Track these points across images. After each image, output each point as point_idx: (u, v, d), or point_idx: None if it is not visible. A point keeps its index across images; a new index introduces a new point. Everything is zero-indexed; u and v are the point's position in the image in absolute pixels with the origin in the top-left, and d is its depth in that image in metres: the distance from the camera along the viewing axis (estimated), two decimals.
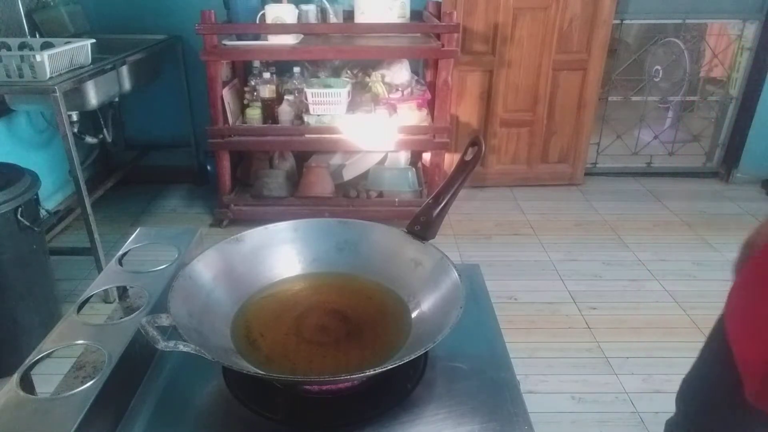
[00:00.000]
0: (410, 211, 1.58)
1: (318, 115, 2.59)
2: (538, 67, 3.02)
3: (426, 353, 0.73)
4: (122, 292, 0.89)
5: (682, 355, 1.96)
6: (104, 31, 2.84)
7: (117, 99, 2.59)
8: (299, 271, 0.87)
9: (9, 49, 2.12)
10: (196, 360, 0.63)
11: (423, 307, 0.77)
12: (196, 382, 0.73)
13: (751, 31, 3.12)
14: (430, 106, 2.69)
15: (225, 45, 2.53)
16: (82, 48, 2.12)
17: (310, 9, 2.62)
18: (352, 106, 2.65)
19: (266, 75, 2.69)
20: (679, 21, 3.17)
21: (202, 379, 0.73)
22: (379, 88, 2.68)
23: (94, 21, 2.89)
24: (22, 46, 2.17)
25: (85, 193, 2.09)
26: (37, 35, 2.42)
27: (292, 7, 2.48)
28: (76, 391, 0.63)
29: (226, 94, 2.64)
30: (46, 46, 2.13)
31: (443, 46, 2.49)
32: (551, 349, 1.99)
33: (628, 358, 1.94)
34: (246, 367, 0.67)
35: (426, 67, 2.95)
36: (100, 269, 2.19)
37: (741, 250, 0.94)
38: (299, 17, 2.54)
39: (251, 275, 0.83)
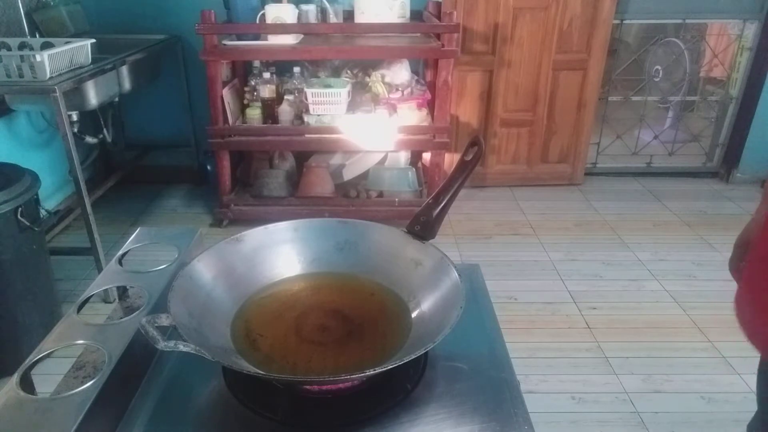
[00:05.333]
0: (410, 211, 1.58)
1: (318, 115, 2.59)
2: (538, 67, 3.02)
3: (426, 353, 0.73)
4: (122, 292, 0.89)
5: (682, 355, 1.96)
6: (104, 31, 2.84)
7: (117, 99, 2.59)
8: (299, 271, 0.87)
9: (9, 49, 2.12)
10: (196, 360, 0.63)
11: (423, 307, 0.77)
12: (196, 382, 0.73)
13: (751, 31, 3.12)
14: (430, 106, 2.69)
15: (225, 45, 2.53)
16: (82, 48, 2.12)
17: (310, 9, 2.62)
18: (352, 106, 2.65)
19: (266, 75, 2.69)
20: (679, 21, 3.17)
21: (202, 379, 0.73)
22: (379, 88, 2.68)
23: (94, 21, 2.89)
24: (22, 46, 2.16)
25: (85, 193, 2.09)
26: (37, 35, 2.42)
27: (292, 7, 2.48)
28: (76, 391, 0.63)
29: (226, 94, 2.64)
30: (46, 46, 2.13)
31: (443, 46, 2.49)
32: (551, 349, 1.99)
33: (628, 358, 1.94)
34: (246, 367, 0.67)
35: (426, 67, 2.95)
36: (100, 269, 2.19)
37: (733, 250, 0.99)
38: (299, 17, 2.54)
39: (251, 275, 0.83)
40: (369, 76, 2.74)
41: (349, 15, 2.76)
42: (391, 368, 0.62)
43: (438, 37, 2.57)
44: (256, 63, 2.79)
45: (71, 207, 2.55)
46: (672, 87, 3.45)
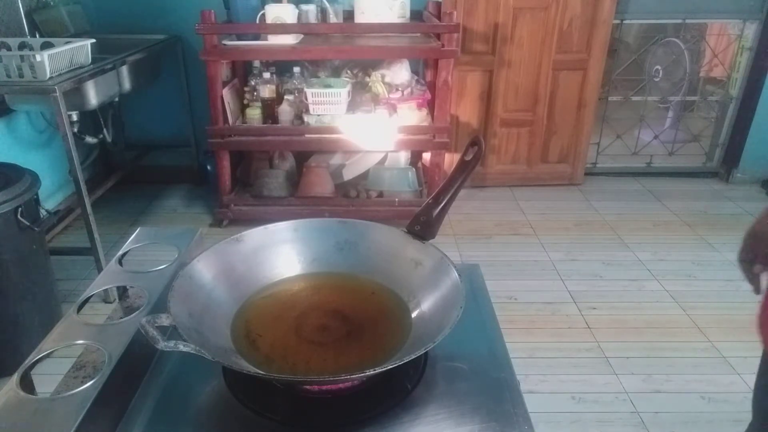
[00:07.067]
0: (410, 211, 1.58)
1: (318, 115, 2.59)
2: (538, 67, 3.02)
3: (426, 353, 0.73)
4: (122, 292, 0.89)
5: (682, 355, 1.96)
6: (104, 31, 2.84)
7: (117, 99, 2.59)
8: (299, 271, 0.87)
9: (9, 49, 2.12)
10: (196, 360, 0.63)
11: (423, 307, 0.77)
12: (196, 382, 0.73)
13: (751, 31, 3.12)
14: (430, 106, 2.69)
15: (225, 45, 2.53)
16: (82, 48, 2.12)
17: (310, 9, 2.62)
18: (352, 106, 2.65)
19: (266, 75, 2.69)
20: (679, 21, 3.17)
21: (202, 379, 0.73)
22: (379, 88, 2.68)
23: (94, 21, 2.89)
24: (22, 46, 2.16)
25: (85, 193, 2.09)
26: (37, 35, 2.42)
27: (292, 7, 2.48)
28: (76, 391, 0.63)
29: (226, 94, 2.64)
30: (46, 46, 2.13)
31: (443, 46, 2.49)
32: (551, 349, 1.99)
33: (628, 358, 1.94)
34: (246, 367, 0.67)
35: (426, 67, 2.95)
36: (100, 269, 2.18)
37: (744, 240, 0.95)
38: (299, 17, 2.54)
39: (251, 275, 0.83)
40: (369, 76, 2.74)
41: (349, 15, 2.76)
42: (391, 368, 0.62)
43: (438, 37, 2.57)
44: (256, 63, 2.79)
45: (71, 207, 2.55)
46: (672, 87, 3.44)
